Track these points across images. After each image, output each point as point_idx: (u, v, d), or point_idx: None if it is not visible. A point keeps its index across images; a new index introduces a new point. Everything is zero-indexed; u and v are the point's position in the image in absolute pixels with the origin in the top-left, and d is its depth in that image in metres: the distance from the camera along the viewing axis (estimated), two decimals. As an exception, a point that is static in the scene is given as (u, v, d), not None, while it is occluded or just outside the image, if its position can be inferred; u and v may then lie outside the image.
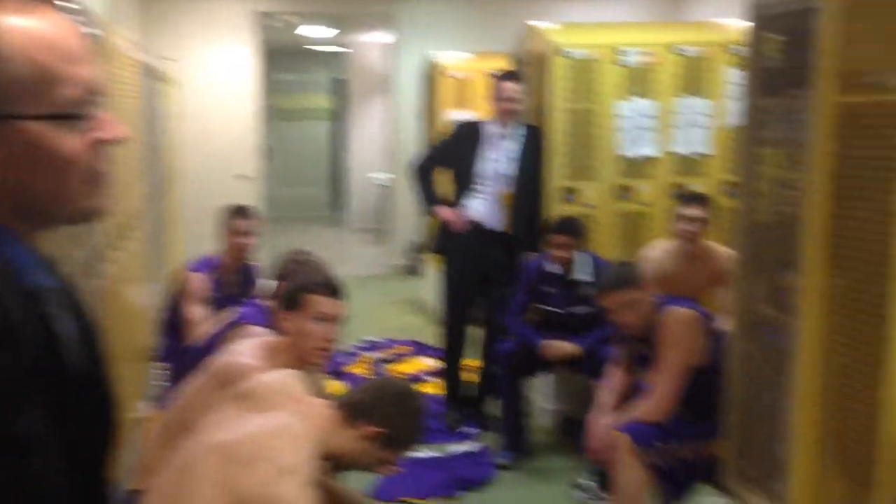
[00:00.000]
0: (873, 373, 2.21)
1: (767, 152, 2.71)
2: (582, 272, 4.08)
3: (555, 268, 4.11)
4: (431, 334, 5.66)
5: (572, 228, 4.08)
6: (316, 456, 2.03)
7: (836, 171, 2.34)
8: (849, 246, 2.32)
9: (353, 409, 2.20)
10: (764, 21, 2.61)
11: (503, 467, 4.07)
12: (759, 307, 2.74)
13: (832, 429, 2.44)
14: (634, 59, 4.44)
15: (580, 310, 4.09)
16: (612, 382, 3.38)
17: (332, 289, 2.56)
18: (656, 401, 3.09)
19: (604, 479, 3.42)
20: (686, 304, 3.22)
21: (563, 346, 4.02)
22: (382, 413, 2.19)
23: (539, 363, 4.12)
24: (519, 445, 4.15)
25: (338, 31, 10.99)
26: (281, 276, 3.16)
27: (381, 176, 9.92)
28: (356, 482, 2.97)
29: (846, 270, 2.34)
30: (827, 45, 2.27)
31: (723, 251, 3.76)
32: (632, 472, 2.97)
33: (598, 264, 4.09)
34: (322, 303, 2.52)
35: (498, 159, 4.42)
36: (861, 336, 2.30)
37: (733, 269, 2.86)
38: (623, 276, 3.22)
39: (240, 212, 4.21)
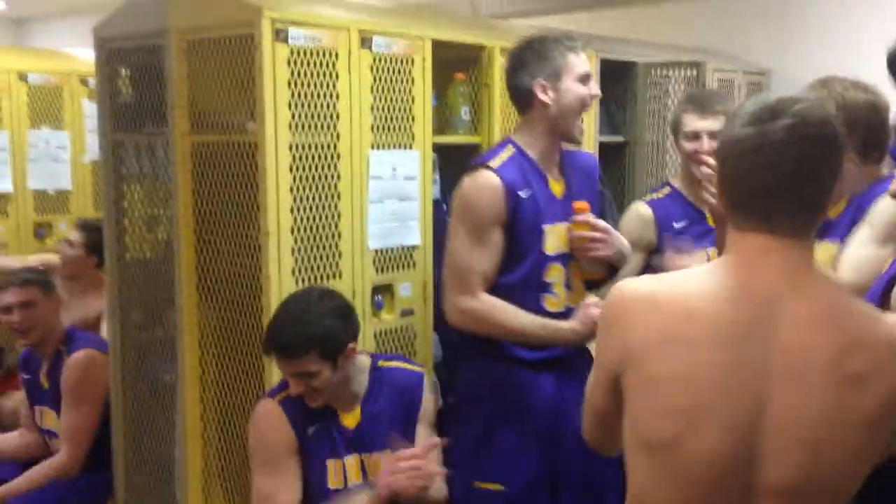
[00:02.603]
0: (254, 399, 2.31)
1: (132, 188, 2.66)
2: None
3: None
4: None
5: None
6: None
7: (198, 207, 2.40)
8: (217, 279, 2.40)
9: None
10: (114, 55, 2.54)
11: None
12: (144, 344, 2.67)
13: (216, 461, 2.50)
14: (-27, 83, 3.98)
15: None
16: None
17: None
18: (68, 453, 2.80)
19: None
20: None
21: None
22: None
23: None
24: None
25: None
26: None
27: None
28: None
29: (217, 303, 2.42)
30: (176, 84, 2.31)
31: None
32: None
33: None
34: None
35: None
36: (236, 368, 2.40)
37: (111, 305, 2.73)
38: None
39: None
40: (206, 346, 2.45)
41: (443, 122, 2.80)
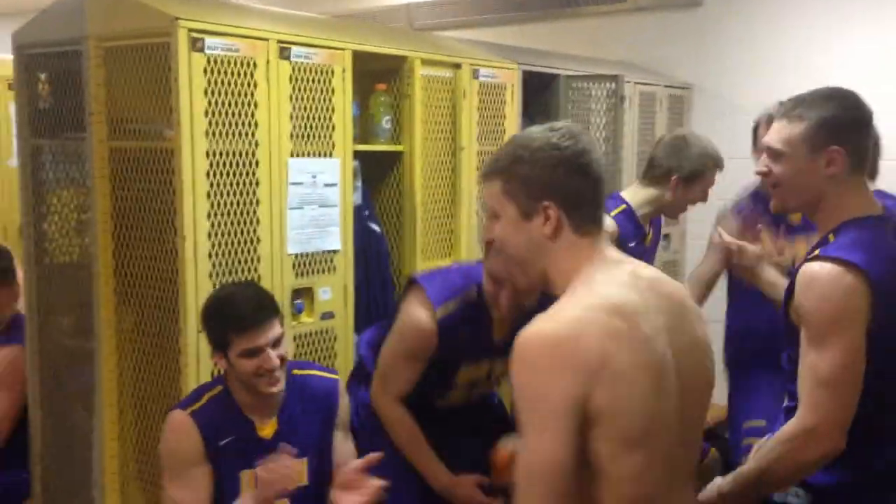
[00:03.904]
0: (171, 399, 2.34)
1: (53, 193, 2.67)
2: None
3: None
4: None
5: None
6: None
7: (117, 211, 2.43)
8: (135, 283, 2.43)
9: None
10: (32, 61, 2.56)
11: None
12: (65, 347, 2.67)
13: (133, 463, 2.52)
14: None
15: None
16: None
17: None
18: None
19: None
20: None
21: None
22: None
23: None
24: None
25: None
26: None
27: None
28: None
29: (135, 305, 2.44)
30: (94, 90, 2.34)
31: None
32: None
33: None
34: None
35: None
36: (156, 366, 2.42)
37: (28, 309, 2.74)
38: None
39: None
40: (123, 349, 2.47)
41: (365, 130, 2.87)
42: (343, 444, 2.29)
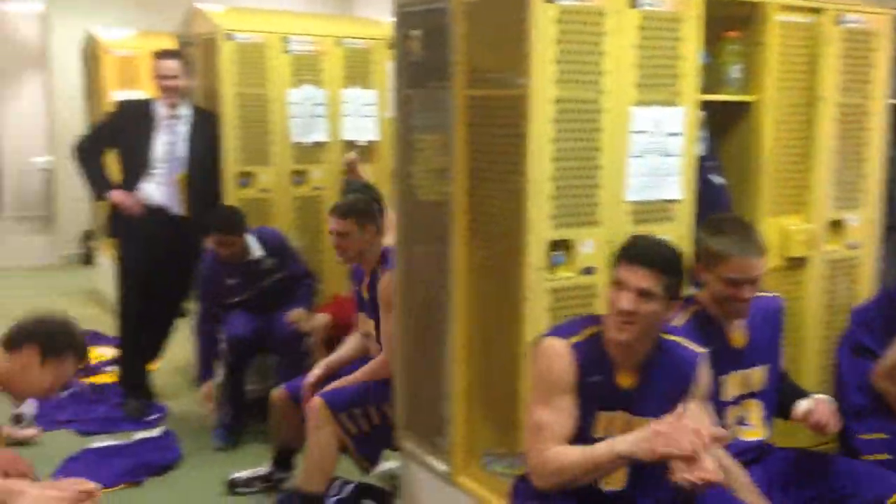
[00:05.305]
0: (511, 331, 2.54)
1: (418, 139, 2.97)
2: (256, 251, 4.20)
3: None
4: (109, 325, 5.41)
5: (226, 227, 4.10)
6: None
7: (472, 155, 2.65)
8: (485, 221, 2.65)
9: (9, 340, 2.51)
10: (406, 18, 2.86)
11: (221, 449, 4.09)
12: (420, 279, 3.00)
13: (480, 382, 2.77)
14: (301, 47, 4.58)
15: (267, 283, 4.23)
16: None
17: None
18: (383, 357, 3.24)
19: (285, 456, 3.57)
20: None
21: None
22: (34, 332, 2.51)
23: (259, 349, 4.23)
24: (236, 427, 4.18)
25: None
26: None
27: (42, 159, 9.16)
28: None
29: (484, 242, 2.67)
30: (456, 43, 2.57)
31: None
32: (323, 438, 3.10)
33: (265, 236, 4.27)
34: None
35: (171, 141, 4.35)
36: (499, 300, 2.64)
37: (398, 242, 3.09)
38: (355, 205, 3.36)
39: None
40: (473, 281, 2.71)
41: (712, 80, 2.81)
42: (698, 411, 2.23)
